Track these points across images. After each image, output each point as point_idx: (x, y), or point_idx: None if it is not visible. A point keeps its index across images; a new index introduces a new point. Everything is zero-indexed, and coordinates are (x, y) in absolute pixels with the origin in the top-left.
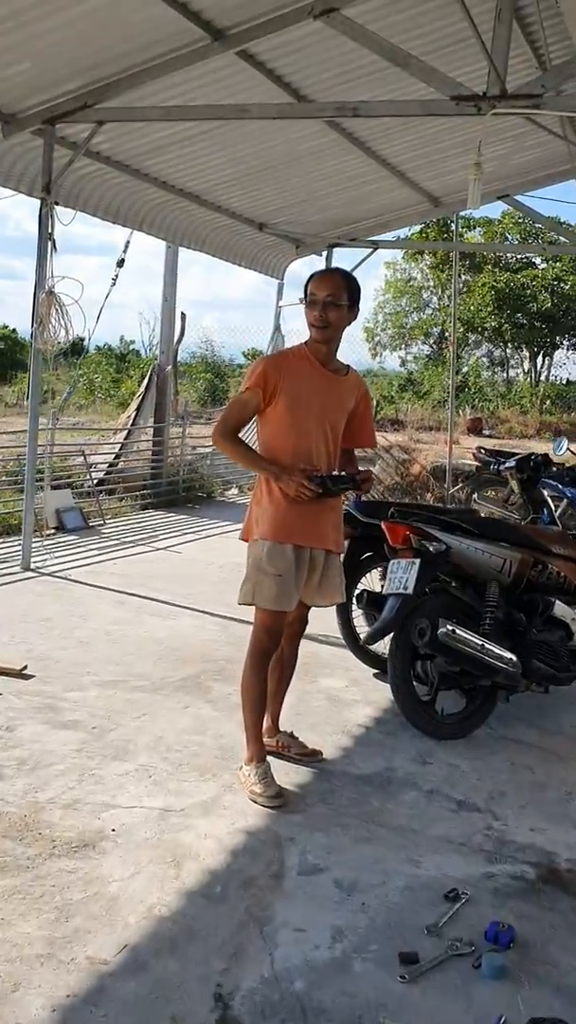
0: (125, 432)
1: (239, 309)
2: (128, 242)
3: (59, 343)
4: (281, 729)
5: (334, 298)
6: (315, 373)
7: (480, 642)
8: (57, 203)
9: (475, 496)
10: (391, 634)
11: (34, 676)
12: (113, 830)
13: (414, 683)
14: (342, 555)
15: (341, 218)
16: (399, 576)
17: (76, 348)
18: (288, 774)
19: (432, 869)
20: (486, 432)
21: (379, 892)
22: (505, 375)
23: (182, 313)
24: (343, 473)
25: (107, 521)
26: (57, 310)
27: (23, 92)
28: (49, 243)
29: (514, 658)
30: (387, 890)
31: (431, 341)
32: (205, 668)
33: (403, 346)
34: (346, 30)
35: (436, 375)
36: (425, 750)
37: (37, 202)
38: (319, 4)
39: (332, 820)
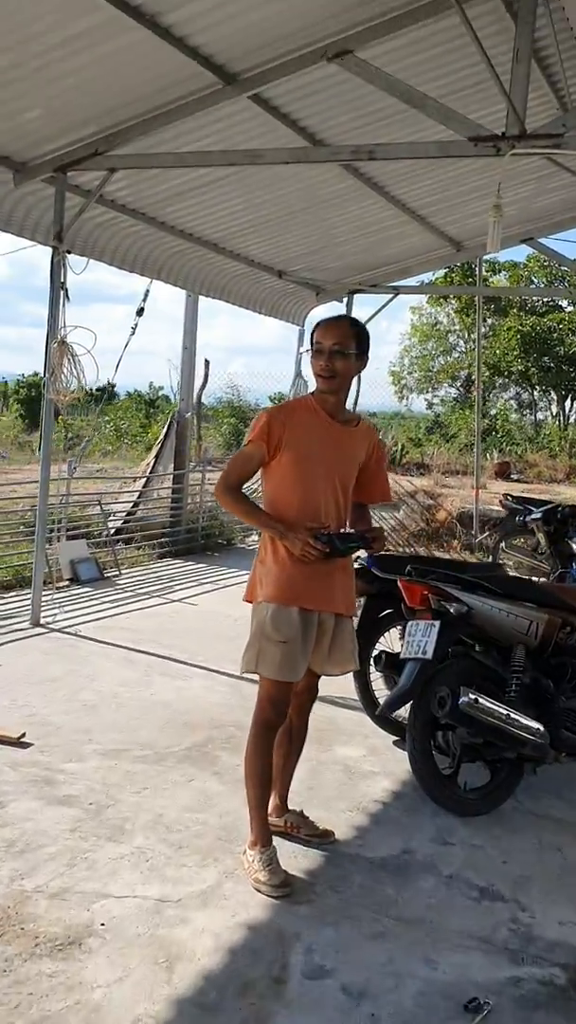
0: (144, 480)
1: (265, 355)
2: (147, 291)
3: (72, 393)
4: (290, 808)
5: (341, 347)
6: (322, 424)
7: (505, 712)
8: (70, 252)
9: (503, 544)
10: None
11: (32, 744)
12: (102, 924)
13: (435, 754)
14: (355, 617)
15: (361, 264)
16: (417, 639)
17: (107, 394)
18: (296, 858)
19: (451, 971)
20: (514, 476)
21: (391, 999)
22: (533, 418)
23: (205, 360)
24: (352, 531)
25: (123, 571)
26: (69, 360)
27: (34, 140)
28: (61, 292)
29: (541, 728)
30: (400, 996)
31: (458, 384)
32: (213, 735)
33: (430, 389)
34: (361, 72)
35: (463, 418)
36: (446, 828)
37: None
38: (333, 47)
39: (342, 912)
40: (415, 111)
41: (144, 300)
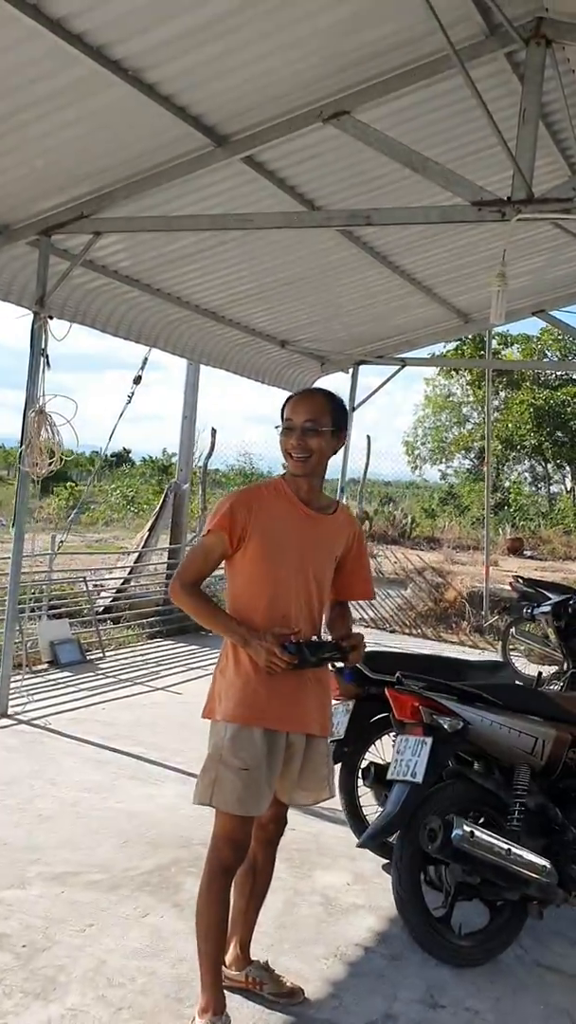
0: (136, 555)
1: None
2: (145, 359)
3: (49, 464)
4: (253, 959)
5: (315, 423)
6: (294, 512)
7: (506, 846)
8: (52, 317)
9: (513, 631)
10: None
11: None
12: None
13: (428, 888)
14: (333, 738)
15: (367, 335)
16: (406, 759)
17: (121, 459)
18: None
19: None
20: (527, 553)
21: None
22: (547, 492)
23: (213, 429)
24: (327, 640)
25: (107, 654)
26: (47, 430)
27: (17, 202)
28: (42, 359)
29: (548, 864)
30: None
31: (471, 456)
32: (180, 856)
33: (443, 460)
34: (358, 134)
35: (475, 491)
36: (436, 984)
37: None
38: (329, 107)
39: None
40: (418, 177)
41: (142, 368)
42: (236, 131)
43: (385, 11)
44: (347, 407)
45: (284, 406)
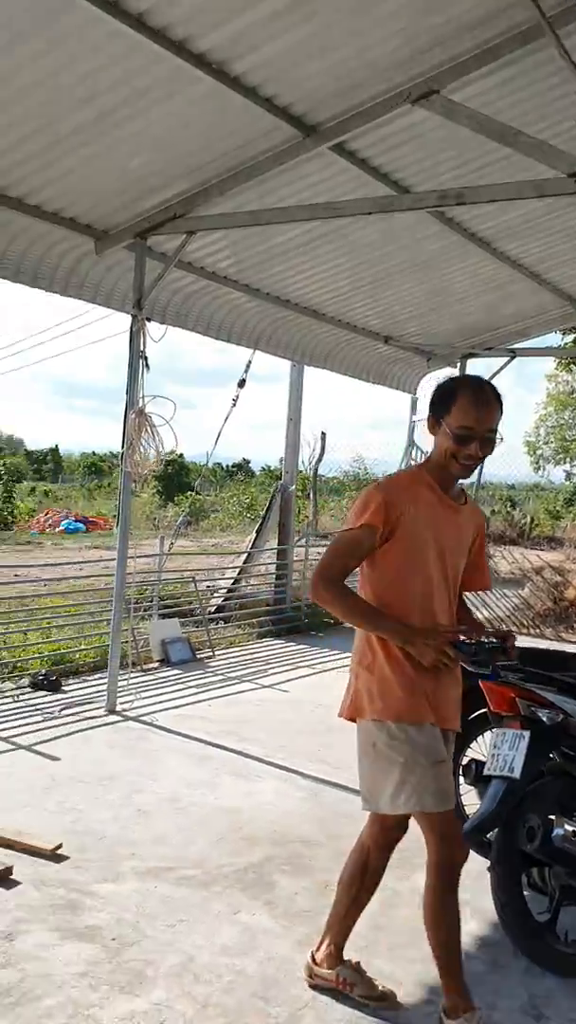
0: (245, 555)
1: (399, 427)
2: (249, 362)
3: (150, 464)
4: (346, 959)
5: (494, 433)
6: (439, 505)
7: None
8: (149, 319)
9: None
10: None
11: (67, 858)
12: None
13: (531, 892)
14: None
15: (474, 326)
16: (504, 753)
17: (241, 468)
18: None
19: None
20: None
21: None
22: None
23: (322, 433)
24: (494, 640)
25: (217, 653)
26: (147, 431)
27: (113, 206)
28: (141, 361)
29: None
30: None
31: None
32: (274, 854)
33: (568, 459)
34: (448, 113)
35: None
36: (541, 994)
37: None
38: (417, 89)
39: None
40: (514, 154)
41: (246, 371)
42: (324, 120)
43: None
44: None
45: (454, 401)
